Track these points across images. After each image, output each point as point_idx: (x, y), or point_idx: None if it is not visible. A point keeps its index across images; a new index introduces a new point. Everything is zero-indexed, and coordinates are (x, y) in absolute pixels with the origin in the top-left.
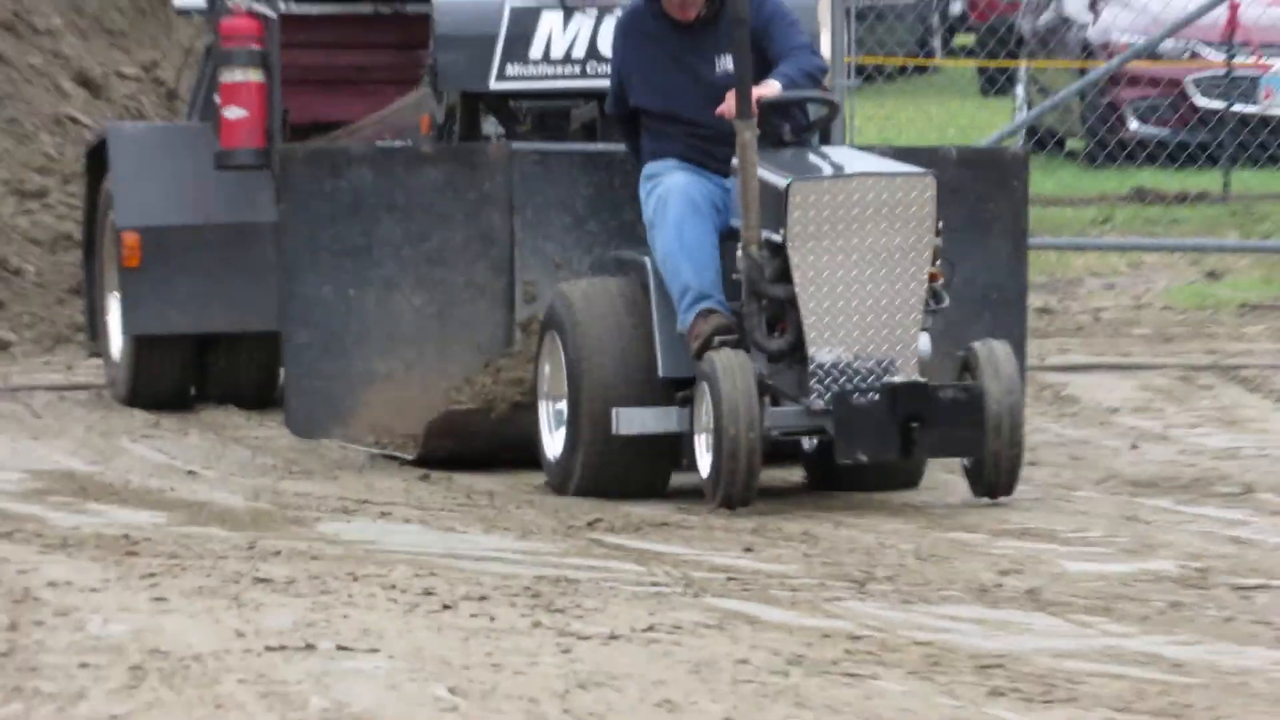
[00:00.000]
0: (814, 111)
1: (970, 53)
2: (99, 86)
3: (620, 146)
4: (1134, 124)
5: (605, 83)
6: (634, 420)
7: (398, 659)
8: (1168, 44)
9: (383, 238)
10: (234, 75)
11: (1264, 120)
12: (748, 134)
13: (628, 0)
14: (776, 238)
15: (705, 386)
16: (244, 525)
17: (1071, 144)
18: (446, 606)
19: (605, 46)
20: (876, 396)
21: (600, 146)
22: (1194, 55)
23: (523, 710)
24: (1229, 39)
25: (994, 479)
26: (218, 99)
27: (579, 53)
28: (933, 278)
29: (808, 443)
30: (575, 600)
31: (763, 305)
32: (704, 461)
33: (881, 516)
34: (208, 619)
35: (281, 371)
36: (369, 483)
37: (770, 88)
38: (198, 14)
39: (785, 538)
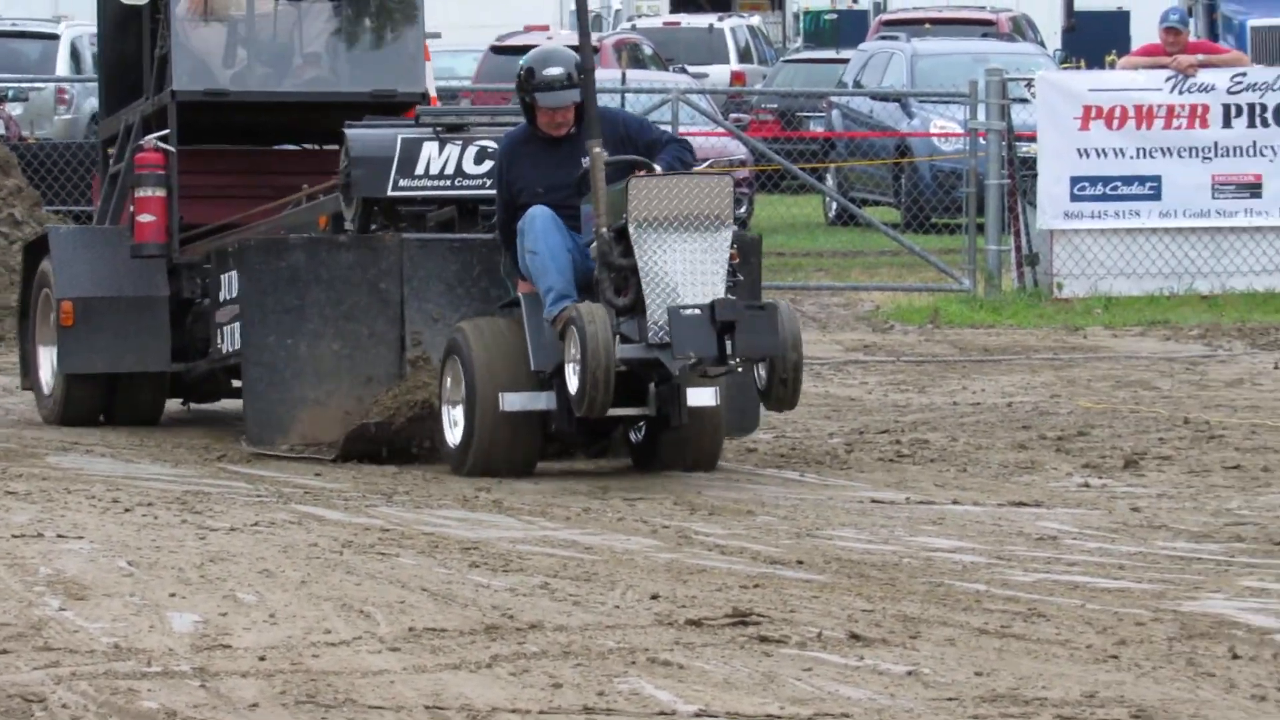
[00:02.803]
0: None
1: None
2: None
3: (478, 236)
4: None
5: (469, 193)
6: (515, 400)
7: (96, 543)
8: None
9: (312, 301)
10: (145, 191)
11: None
12: (597, 149)
13: (501, 132)
14: (620, 223)
15: (574, 329)
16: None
17: None
18: (127, 510)
19: (468, 166)
20: (699, 311)
21: (465, 235)
22: None
23: (174, 575)
24: None
25: (781, 394)
26: (132, 208)
27: (450, 170)
28: (732, 257)
29: (634, 435)
30: (209, 505)
31: (612, 275)
32: (573, 384)
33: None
34: None
35: (167, 401)
36: (79, 432)
37: (652, 166)
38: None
39: (342, 468)
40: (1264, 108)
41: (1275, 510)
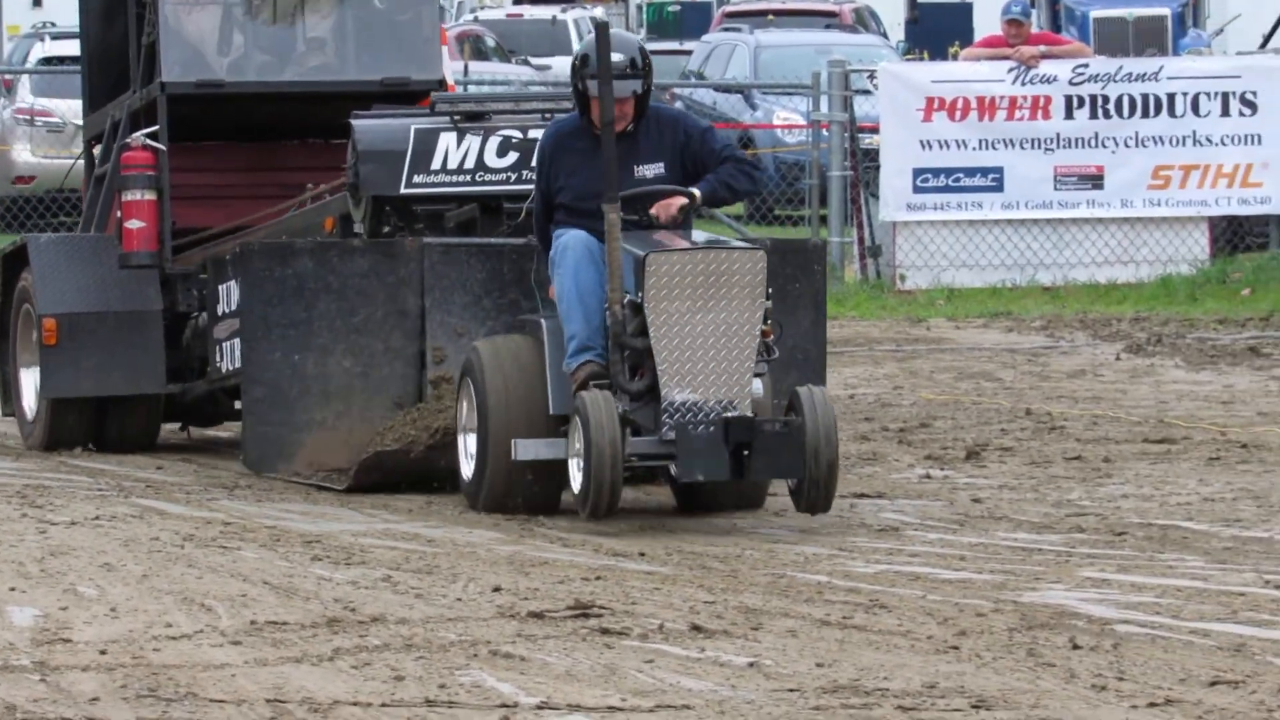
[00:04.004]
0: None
1: None
2: None
3: (508, 240)
4: None
5: (492, 189)
6: (529, 449)
7: None
8: None
9: (320, 313)
10: (133, 195)
11: None
12: (613, 215)
13: (526, 121)
14: (638, 299)
15: (578, 420)
16: None
17: None
18: None
19: (491, 159)
20: (712, 428)
21: (492, 240)
22: None
23: (14, 569)
24: None
25: (813, 498)
26: (119, 213)
27: (470, 164)
28: (764, 334)
29: (675, 468)
30: (49, 499)
31: (625, 354)
32: (575, 480)
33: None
34: None
35: (163, 425)
36: None
37: (685, 196)
38: None
39: (184, 460)
40: (1106, 99)
41: (1115, 501)
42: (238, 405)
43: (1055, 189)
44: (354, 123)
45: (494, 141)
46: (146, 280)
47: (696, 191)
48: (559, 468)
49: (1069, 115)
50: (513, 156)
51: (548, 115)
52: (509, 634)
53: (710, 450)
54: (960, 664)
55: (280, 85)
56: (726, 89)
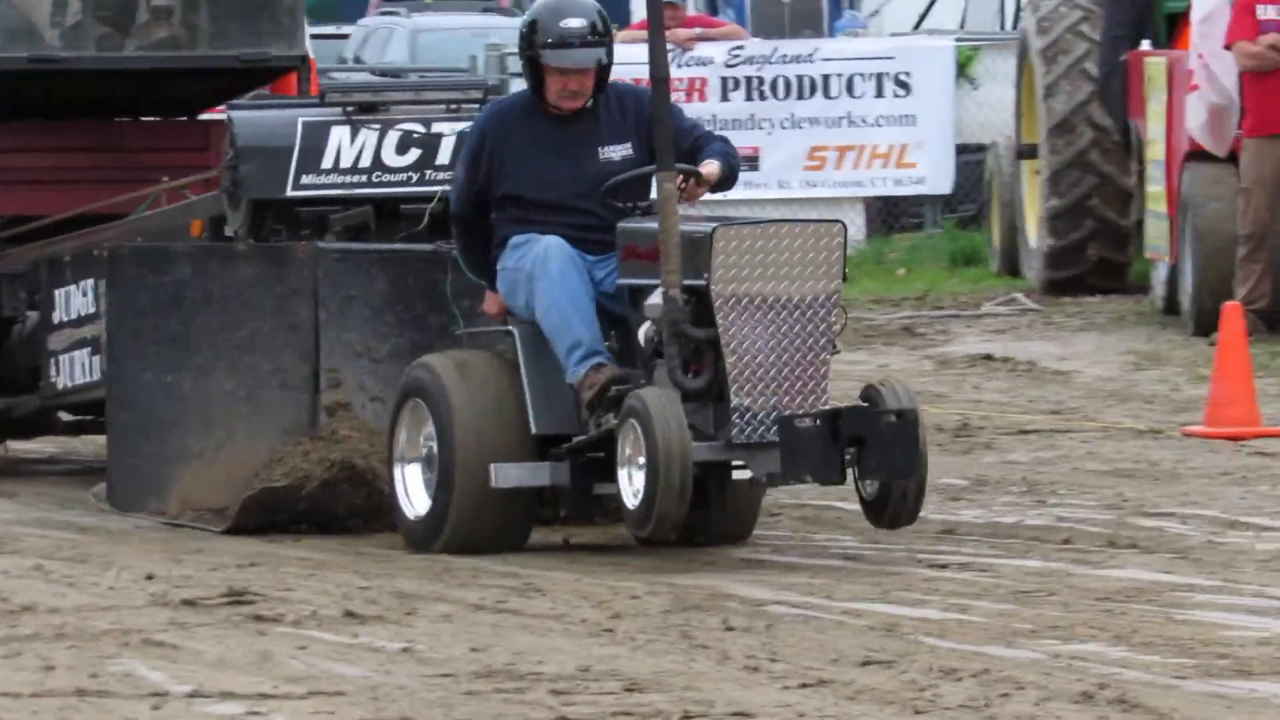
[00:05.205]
0: None
1: None
2: None
3: (413, 246)
4: None
5: (390, 190)
6: (511, 474)
7: None
8: None
9: (199, 327)
10: None
11: None
12: (668, 185)
13: (427, 113)
14: (699, 283)
15: (634, 423)
16: None
17: None
18: None
19: (389, 157)
20: (819, 422)
21: (397, 246)
22: None
23: None
24: None
25: (906, 505)
26: None
27: (365, 163)
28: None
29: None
30: None
31: (683, 347)
32: (631, 493)
33: None
34: None
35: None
36: None
37: (710, 166)
38: None
39: None
40: (761, 80)
41: None
42: (66, 418)
43: None
44: (232, 114)
45: (392, 137)
46: None
47: (717, 163)
48: (533, 496)
49: (725, 97)
50: (414, 154)
51: (453, 106)
52: (161, 622)
53: (821, 448)
54: (614, 647)
55: (121, 61)
56: (384, 73)
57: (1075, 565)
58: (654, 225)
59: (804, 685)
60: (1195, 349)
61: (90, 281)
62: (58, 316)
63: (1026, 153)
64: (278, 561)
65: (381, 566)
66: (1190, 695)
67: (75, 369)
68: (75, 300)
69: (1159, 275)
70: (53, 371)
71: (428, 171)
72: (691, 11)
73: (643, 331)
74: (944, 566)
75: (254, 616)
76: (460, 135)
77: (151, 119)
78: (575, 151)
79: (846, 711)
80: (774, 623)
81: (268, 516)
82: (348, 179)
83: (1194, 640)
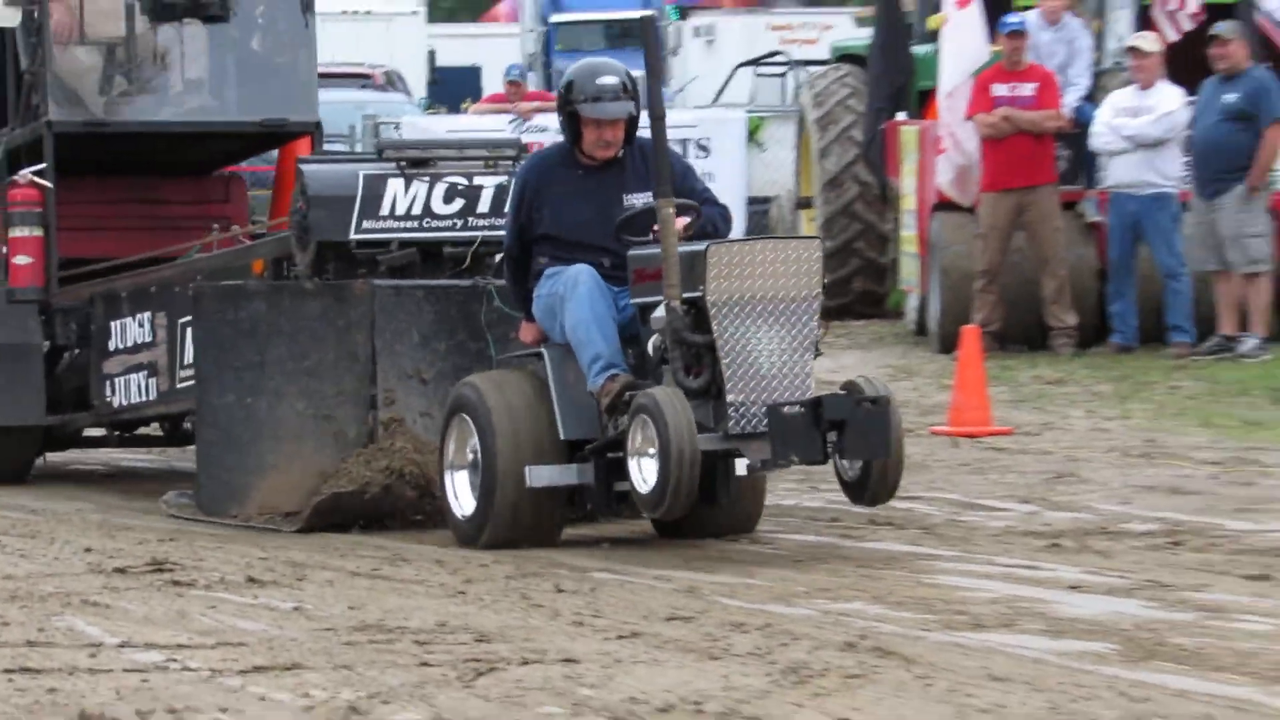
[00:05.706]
0: None
1: None
2: None
3: (455, 282)
4: None
5: (439, 235)
6: (543, 475)
7: None
8: None
9: (273, 355)
10: (20, 231)
11: None
12: (667, 210)
13: (471, 168)
14: (696, 294)
15: (645, 417)
16: None
17: None
18: None
19: (437, 205)
20: (801, 409)
21: (442, 282)
22: None
23: None
24: None
25: (883, 484)
26: (4, 249)
27: (417, 210)
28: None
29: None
30: None
31: (684, 351)
32: (643, 480)
33: None
34: None
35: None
36: None
37: (683, 221)
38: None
39: None
40: None
41: None
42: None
43: None
44: (303, 167)
45: (440, 188)
46: (28, 313)
47: (698, 211)
48: (565, 494)
49: None
50: (458, 203)
51: (490, 163)
52: (97, 586)
53: (804, 431)
54: (466, 606)
55: (160, 125)
56: None
57: (842, 539)
58: (657, 249)
59: (620, 636)
60: (940, 364)
61: (147, 314)
62: (113, 344)
63: (804, 204)
64: (192, 537)
65: (278, 541)
66: (934, 644)
67: (131, 390)
68: (131, 330)
69: (911, 304)
70: (108, 392)
71: (469, 219)
72: (532, 88)
73: (651, 343)
74: (735, 540)
75: (173, 582)
76: (498, 187)
77: (182, 176)
78: (603, 197)
79: (655, 658)
80: (597, 586)
81: (335, 518)
82: (402, 224)
83: (938, 600)
